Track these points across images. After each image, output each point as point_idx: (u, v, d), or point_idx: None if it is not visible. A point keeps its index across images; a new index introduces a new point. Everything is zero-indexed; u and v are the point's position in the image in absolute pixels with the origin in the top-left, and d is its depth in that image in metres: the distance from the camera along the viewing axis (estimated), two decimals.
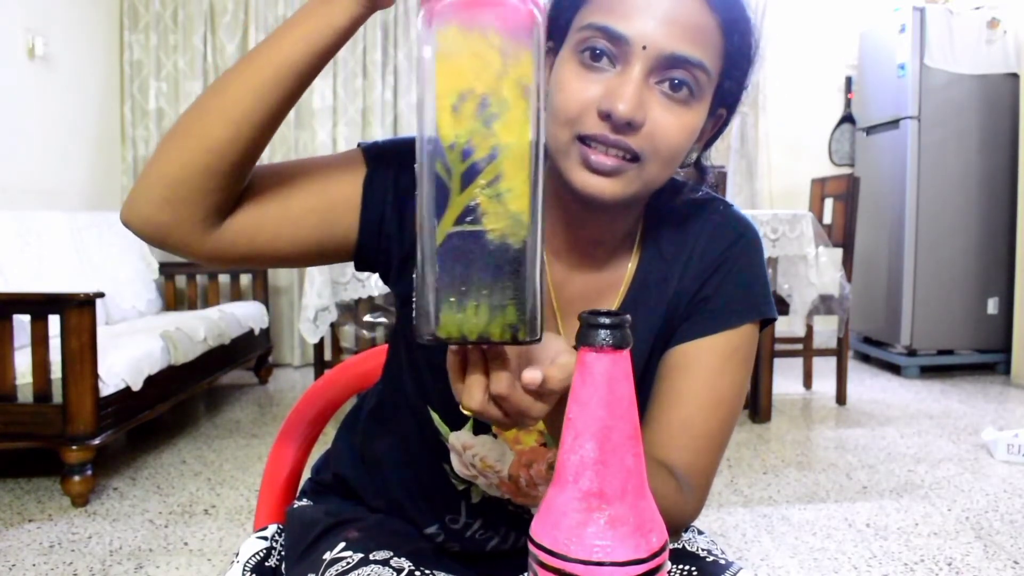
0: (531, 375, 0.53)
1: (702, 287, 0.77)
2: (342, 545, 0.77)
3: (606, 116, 0.64)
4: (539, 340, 0.53)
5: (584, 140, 0.65)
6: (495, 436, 0.79)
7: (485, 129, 0.50)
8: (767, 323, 0.79)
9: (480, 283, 0.51)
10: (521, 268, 0.51)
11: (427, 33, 0.50)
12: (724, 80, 0.70)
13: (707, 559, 0.76)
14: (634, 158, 0.65)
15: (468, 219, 0.51)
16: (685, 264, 0.77)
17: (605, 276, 0.78)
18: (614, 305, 0.78)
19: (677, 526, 0.77)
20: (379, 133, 4.28)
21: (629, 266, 0.78)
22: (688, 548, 0.79)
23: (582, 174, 0.66)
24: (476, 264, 0.51)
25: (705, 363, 0.75)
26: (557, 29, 0.71)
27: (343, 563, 0.74)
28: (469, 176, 0.50)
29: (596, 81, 0.65)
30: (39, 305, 2.26)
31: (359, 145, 0.76)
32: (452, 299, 0.52)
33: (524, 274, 0.52)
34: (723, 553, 0.79)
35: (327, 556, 0.76)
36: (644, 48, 0.64)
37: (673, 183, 0.77)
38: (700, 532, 0.84)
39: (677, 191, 0.77)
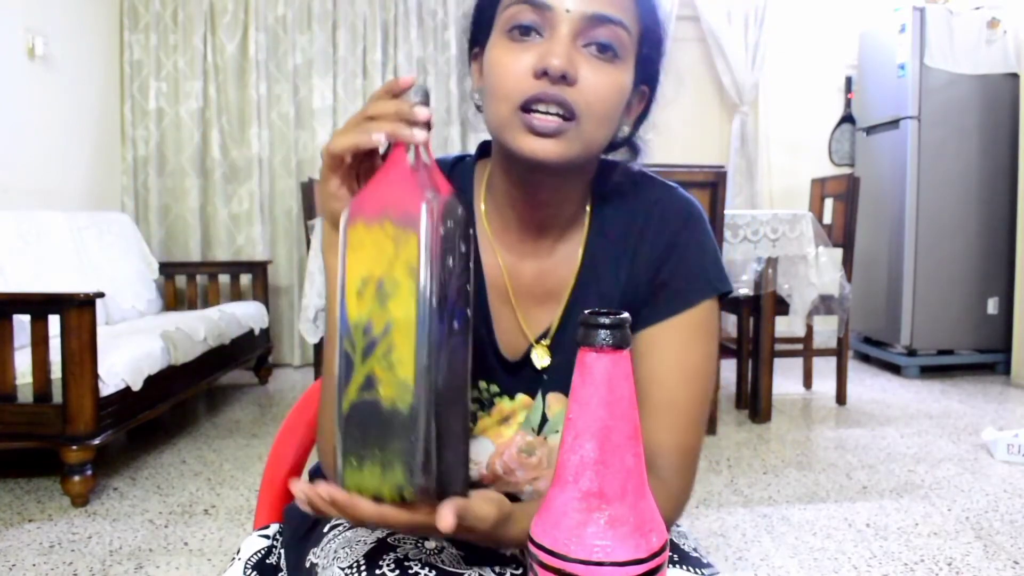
0: (445, 521, 0.57)
1: (657, 273, 0.79)
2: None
3: (542, 74, 0.67)
4: (435, 500, 0.58)
5: (525, 108, 0.69)
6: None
7: (381, 308, 0.58)
8: (725, 295, 0.82)
9: (375, 446, 0.58)
10: (410, 432, 0.57)
11: (342, 231, 0.59)
12: (643, 46, 0.74)
13: (691, 555, 0.78)
14: (571, 116, 0.68)
15: (367, 388, 0.58)
16: (635, 250, 0.80)
17: (555, 260, 0.81)
18: (567, 288, 0.80)
19: (670, 519, 0.78)
20: None
21: (579, 250, 0.81)
22: (674, 540, 0.80)
23: (527, 139, 0.69)
24: (373, 429, 0.58)
25: (673, 341, 0.78)
26: (480, 29, 0.75)
27: (342, 526, 0.78)
28: (368, 350, 0.58)
29: (527, 51, 0.69)
30: (39, 305, 2.26)
31: None
32: (353, 461, 0.58)
33: (412, 436, 0.57)
34: (707, 554, 0.81)
35: (325, 528, 0.79)
36: (568, 11, 0.68)
37: (611, 163, 0.80)
38: (685, 536, 0.85)
39: (614, 169, 0.81)
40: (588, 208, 0.81)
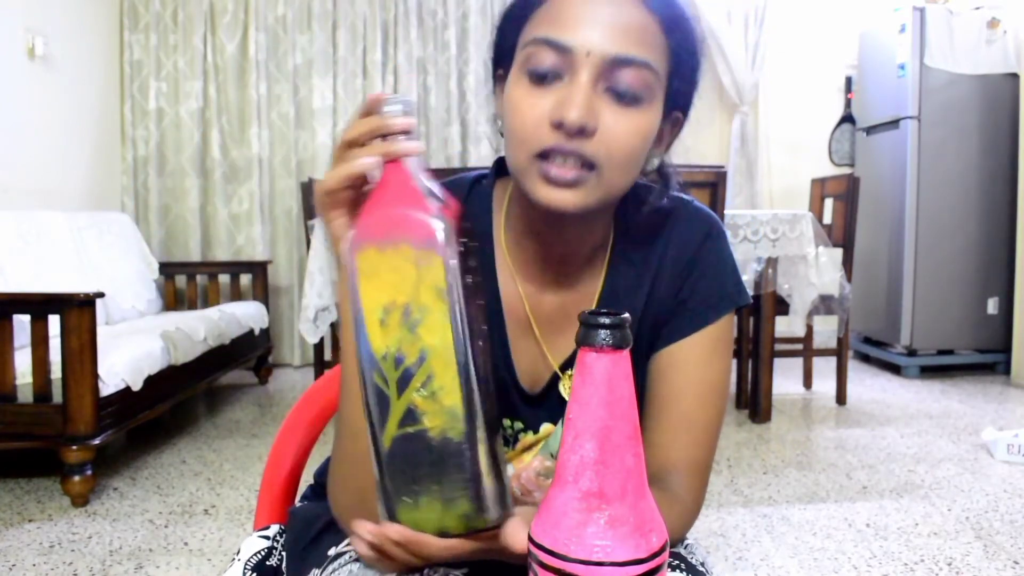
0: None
1: (679, 292, 0.79)
2: (347, 540, 0.77)
3: (558, 125, 0.64)
4: (500, 523, 0.56)
5: (543, 155, 0.66)
6: None
7: (411, 335, 0.54)
8: (742, 307, 0.81)
9: (430, 480, 0.55)
10: (465, 459, 0.55)
11: (350, 259, 0.55)
12: (673, 79, 0.70)
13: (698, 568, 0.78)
14: (591, 166, 0.66)
15: (409, 421, 0.54)
16: (656, 270, 0.79)
17: (579, 290, 0.79)
18: None
19: (681, 533, 0.78)
20: None
21: (601, 278, 0.79)
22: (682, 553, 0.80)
23: (544, 189, 0.67)
24: (423, 462, 0.55)
25: (692, 359, 0.77)
26: (503, 54, 0.72)
27: (347, 555, 0.75)
28: (404, 381, 0.54)
29: (545, 95, 0.66)
30: (39, 305, 2.26)
31: None
32: (407, 498, 0.55)
33: (469, 464, 0.55)
34: (712, 568, 0.80)
35: (332, 551, 0.77)
36: (588, 55, 0.64)
37: (637, 190, 0.77)
38: (693, 552, 0.84)
39: (642, 199, 0.78)
40: (612, 235, 0.80)
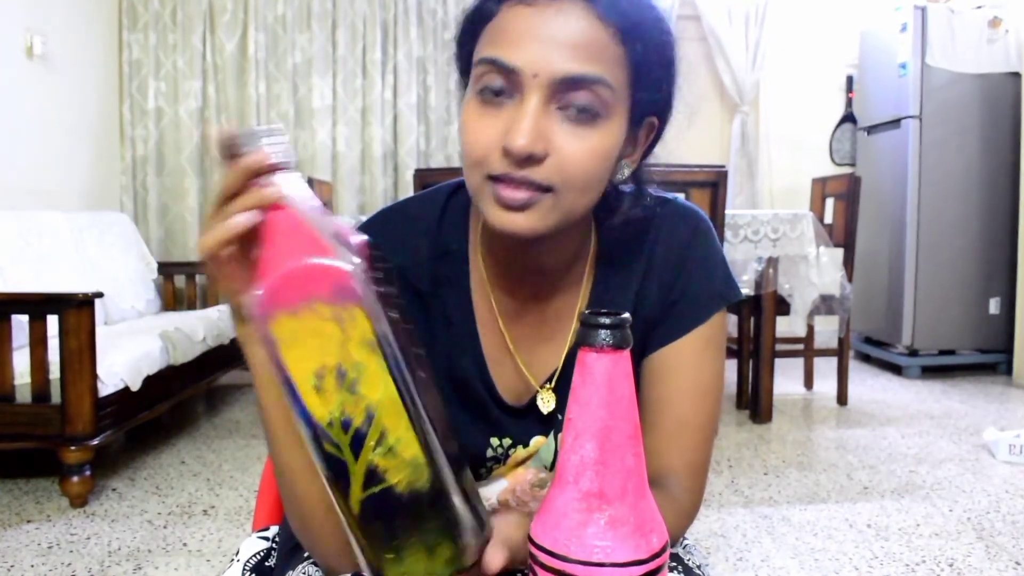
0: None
1: (668, 292, 0.77)
2: None
3: (507, 152, 0.62)
4: (480, 554, 0.56)
5: (495, 177, 0.64)
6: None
7: (352, 396, 0.51)
8: (734, 303, 0.80)
9: (408, 532, 0.54)
10: (439, 504, 0.54)
11: (263, 329, 0.51)
12: (636, 89, 0.66)
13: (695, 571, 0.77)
14: (547, 188, 0.64)
15: (374, 482, 0.52)
16: (644, 272, 0.77)
17: (561, 300, 0.78)
18: (571, 329, 0.77)
19: (679, 534, 0.78)
20: (379, 133, 4.28)
21: (584, 286, 0.78)
22: (679, 554, 0.79)
23: (497, 212, 0.64)
24: (398, 519, 0.53)
25: (685, 361, 0.76)
26: (462, 64, 0.70)
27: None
28: (357, 444, 0.52)
29: (496, 117, 0.63)
30: (38, 305, 2.26)
31: None
32: (389, 555, 0.54)
33: (443, 509, 0.54)
34: (711, 568, 0.80)
35: (306, 553, 0.76)
36: (535, 76, 0.61)
37: (612, 197, 0.75)
38: (691, 553, 0.84)
39: (620, 205, 0.75)
40: (593, 239, 0.78)
